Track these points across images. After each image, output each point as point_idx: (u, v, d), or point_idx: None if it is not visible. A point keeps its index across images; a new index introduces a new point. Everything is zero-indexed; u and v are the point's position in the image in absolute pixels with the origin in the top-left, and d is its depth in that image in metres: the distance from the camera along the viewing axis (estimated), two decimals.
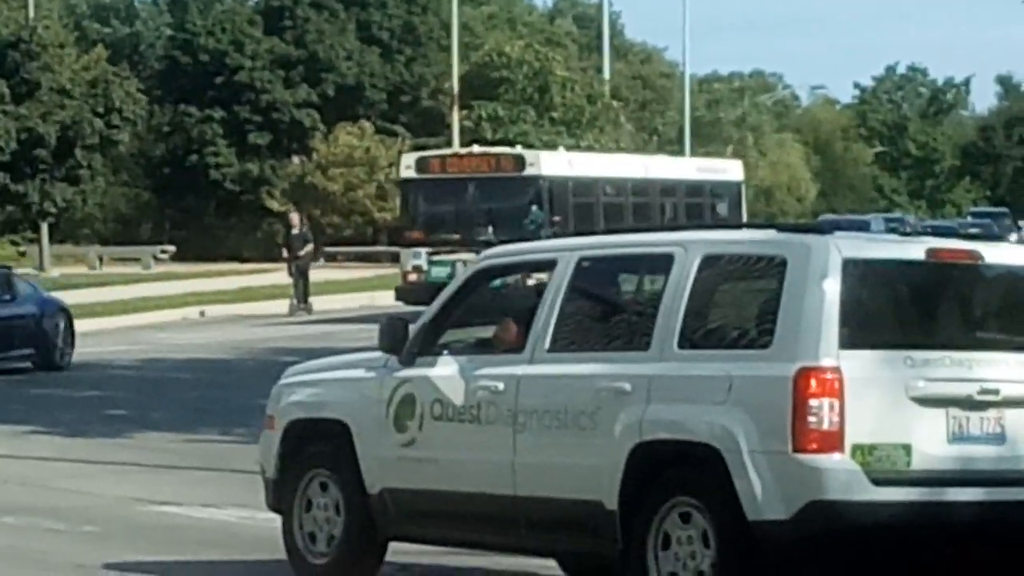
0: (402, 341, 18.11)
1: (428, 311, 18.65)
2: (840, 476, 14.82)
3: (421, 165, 55.86)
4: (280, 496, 18.67)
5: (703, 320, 16.21)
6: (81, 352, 51.36)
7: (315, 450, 18.59)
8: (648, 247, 17.39)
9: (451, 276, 48.83)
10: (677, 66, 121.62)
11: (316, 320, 60.57)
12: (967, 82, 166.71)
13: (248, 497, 20.51)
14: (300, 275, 59.82)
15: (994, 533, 15.65)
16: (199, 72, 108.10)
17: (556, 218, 51.38)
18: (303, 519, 18.42)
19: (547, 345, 16.95)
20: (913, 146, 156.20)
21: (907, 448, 15.07)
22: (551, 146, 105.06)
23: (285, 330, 55.74)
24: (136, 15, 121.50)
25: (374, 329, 18.33)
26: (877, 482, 14.85)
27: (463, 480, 17.32)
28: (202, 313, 62.75)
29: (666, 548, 15.59)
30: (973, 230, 35.73)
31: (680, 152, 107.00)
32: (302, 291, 60.11)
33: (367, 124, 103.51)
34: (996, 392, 15.42)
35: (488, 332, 18.06)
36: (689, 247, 16.58)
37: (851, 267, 15.48)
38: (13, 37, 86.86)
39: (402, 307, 54.03)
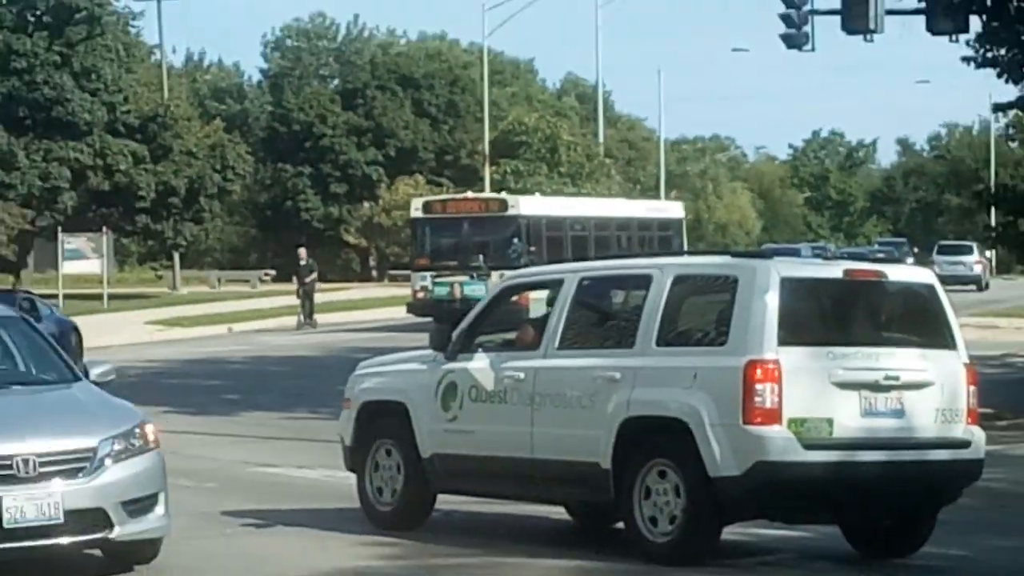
0: (447, 342, 18.47)
1: (467, 319, 18.95)
2: (779, 443, 15.32)
3: (427, 207, 57.77)
4: (355, 460, 19.11)
5: (674, 324, 16.74)
6: (203, 350, 51.54)
7: (381, 425, 18.94)
8: (632, 269, 18.20)
9: (450, 294, 55.30)
10: (654, 131, 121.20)
11: (378, 327, 60.20)
12: (874, 143, 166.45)
13: (331, 460, 20.79)
14: (306, 297, 59.65)
15: (894, 485, 16.10)
16: (293, 139, 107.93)
17: (532, 248, 52.93)
18: (372, 477, 18.83)
19: (556, 344, 17.39)
20: (833, 192, 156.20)
21: (830, 421, 15.65)
22: (560, 193, 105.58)
23: (358, 334, 55.49)
24: (245, 95, 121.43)
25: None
26: (807, 447, 15.39)
27: (493, 446, 17.65)
28: (300, 323, 62.16)
29: (647, 498, 16.07)
30: (879, 255, 35.29)
31: (657, 197, 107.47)
32: (308, 310, 60.07)
33: (420, 177, 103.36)
34: (897, 378, 16.02)
35: (511, 335, 18.57)
36: (664, 269, 17.23)
37: (786, 283, 15.96)
38: (152, 112, 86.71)
39: (412, 318, 56.27)
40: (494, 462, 17.46)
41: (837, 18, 31.66)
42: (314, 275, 59.03)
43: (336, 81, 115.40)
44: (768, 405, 15.19)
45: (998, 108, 40.21)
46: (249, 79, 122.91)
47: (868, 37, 30.74)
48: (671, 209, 72.62)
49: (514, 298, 20.45)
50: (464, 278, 53.57)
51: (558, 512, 18.20)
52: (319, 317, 67.56)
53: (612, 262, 21.41)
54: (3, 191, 72.56)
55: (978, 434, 16.41)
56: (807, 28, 33.92)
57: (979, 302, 55.38)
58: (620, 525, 16.48)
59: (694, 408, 15.48)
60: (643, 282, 16.95)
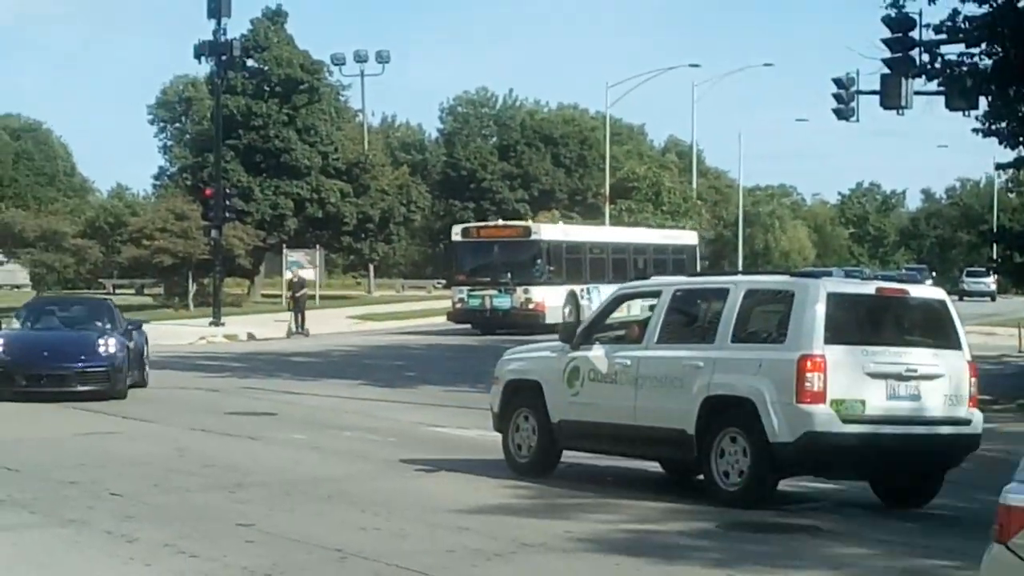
0: (572, 336, 18.74)
1: (588, 318, 19.44)
2: (823, 417, 15.61)
3: (464, 233, 55.26)
4: (501, 423, 19.17)
5: (745, 326, 17.04)
6: (390, 339, 51.78)
7: (521, 397, 18.96)
8: (714, 284, 18.30)
9: (482, 305, 51.94)
10: (735, 180, 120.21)
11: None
12: (904, 192, 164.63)
13: (483, 423, 20.71)
14: (297, 310, 55.80)
15: (910, 452, 16.33)
16: (460, 182, 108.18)
17: (551, 268, 51.44)
18: (514, 436, 18.93)
19: (655, 339, 17.51)
20: (871, 229, 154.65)
21: (862, 402, 15.90)
22: (663, 226, 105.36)
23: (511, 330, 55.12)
24: (425, 148, 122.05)
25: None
26: (844, 421, 15.69)
27: (606, 415, 17.85)
28: (291, 332, 61.26)
29: (721, 457, 16.37)
30: (904, 277, 34.72)
31: (737, 234, 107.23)
32: (300, 321, 55.61)
33: (556, 212, 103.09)
34: (915, 371, 16.29)
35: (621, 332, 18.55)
36: (738, 284, 17.66)
37: (831, 297, 16.23)
38: (355, 160, 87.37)
39: (452, 325, 54.79)
40: (606, 427, 17.66)
41: (876, 97, 31.45)
42: (304, 290, 56.14)
43: (494, 139, 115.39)
44: (815, 389, 15.32)
45: (999, 167, 39.94)
46: (429, 136, 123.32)
47: (900, 111, 30.53)
48: (686, 237, 69.50)
49: (625, 305, 19.65)
50: (493, 292, 51.08)
51: (653, 466, 18.16)
52: None
53: (699, 279, 21.57)
54: (243, 216, 73.51)
55: (977, 415, 16.50)
56: (853, 104, 33.79)
57: (982, 315, 54.44)
58: (700, 477, 16.56)
59: (758, 390, 15.62)
60: (722, 294, 17.12)
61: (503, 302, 50.56)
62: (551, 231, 55.86)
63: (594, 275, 53.85)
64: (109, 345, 22.32)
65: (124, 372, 22.17)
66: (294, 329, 56.05)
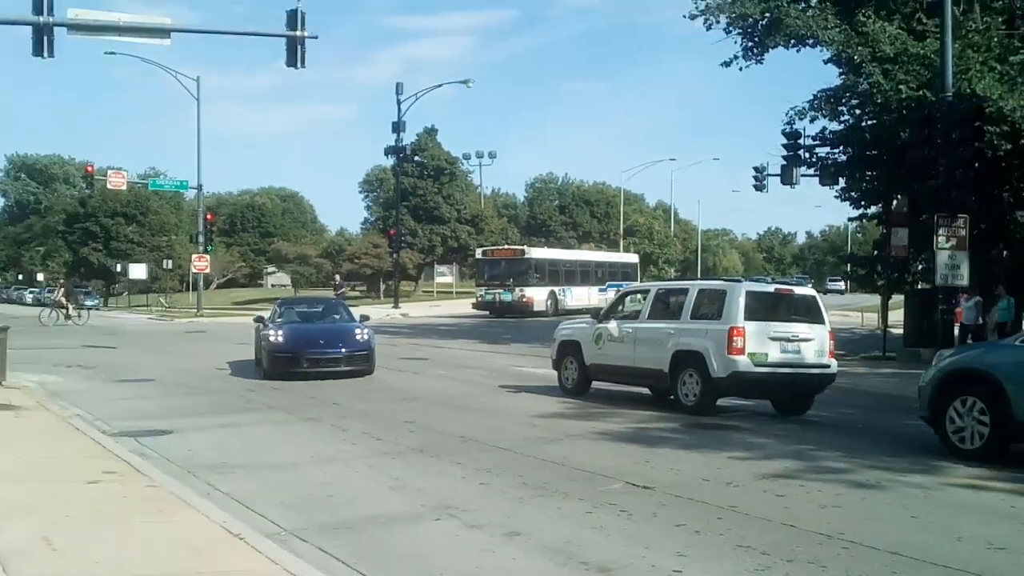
0: (598, 315, 18.84)
1: (607, 306, 19.41)
2: (743, 363, 15.85)
3: (483, 253, 55.58)
4: (556, 365, 19.12)
5: (699, 309, 16.87)
6: (497, 318, 51.81)
7: (568, 349, 18.94)
8: (679, 285, 18.04)
9: (493, 300, 50.93)
10: (696, 226, 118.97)
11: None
12: (795, 233, 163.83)
13: (546, 364, 20.16)
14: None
15: (793, 383, 16.41)
16: (537, 227, 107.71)
17: (538, 275, 51.33)
18: (563, 373, 18.99)
19: (646, 317, 17.53)
20: (776, 255, 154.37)
21: (766, 355, 16.12)
22: (641, 251, 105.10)
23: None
24: (516, 207, 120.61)
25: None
26: (756, 365, 16.03)
27: (617, 361, 17.84)
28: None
29: (684, 385, 16.49)
30: (794, 282, 34.32)
31: (696, 257, 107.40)
32: None
33: (592, 245, 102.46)
34: (797, 336, 16.64)
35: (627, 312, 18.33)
36: (695, 285, 17.69)
37: (748, 293, 16.45)
38: (475, 214, 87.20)
39: (475, 312, 53.07)
40: (617, 368, 17.62)
41: (779, 177, 31.35)
42: (344, 290, 50.27)
43: (556, 201, 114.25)
44: (738, 346, 15.36)
45: (851, 219, 39.96)
46: (518, 200, 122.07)
47: (792, 186, 30.44)
48: (629, 257, 67.51)
49: (628, 298, 18.95)
50: (500, 291, 50.80)
51: (644, 391, 17.96)
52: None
53: (671, 283, 21.57)
54: (411, 246, 76.02)
55: (833, 363, 16.53)
56: (765, 181, 33.65)
57: (839, 304, 54.07)
58: (671, 397, 16.45)
59: (706, 347, 15.64)
60: (685, 291, 17.09)
61: (506, 297, 50.32)
62: (538, 251, 55.34)
63: (568, 280, 54.16)
64: (364, 334, 21.78)
65: (374, 354, 21.71)
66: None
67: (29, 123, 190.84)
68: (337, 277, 57.98)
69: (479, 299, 52.65)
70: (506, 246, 60.31)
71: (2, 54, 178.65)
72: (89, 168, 63.88)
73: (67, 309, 44.80)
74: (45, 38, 23.70)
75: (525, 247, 55.22)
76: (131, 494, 9.06)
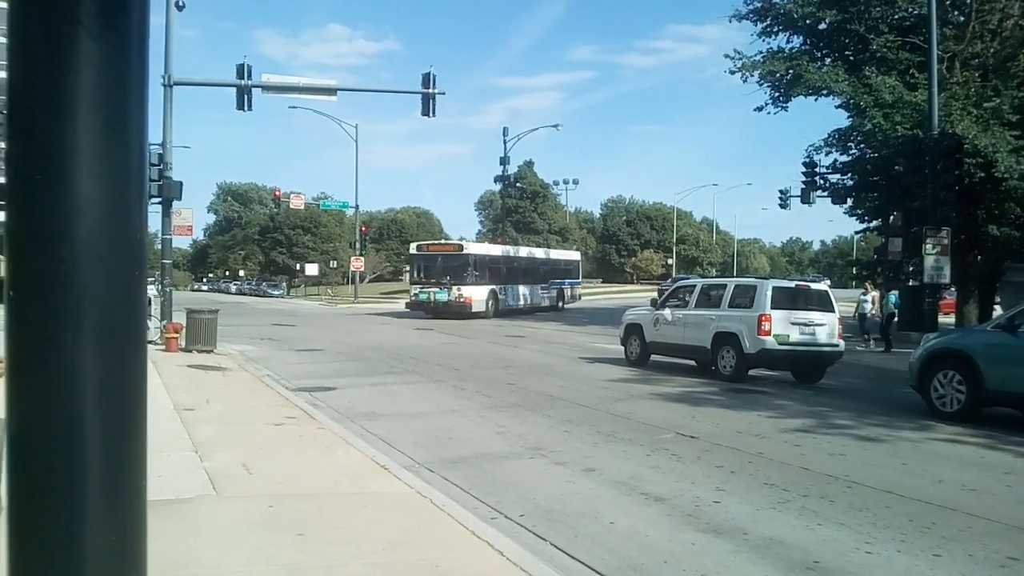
0: (655, 303, 18.54)
1: (662, 296, 18.92)
2: (769, 342, 15.42)
3: (417, 248, 37.03)
4: (623, 342, 18.76)
5: (735, 300, 16.44)
6: (593, 305, 51.27)
7: (632, 330, 18.57)
8: (720, 282, 17.63)
9: (428, 299, 34.51)
10: (734, 235, 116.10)
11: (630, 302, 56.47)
12: (811, 241, 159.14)
13: (615, 342, 19.72)
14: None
15: (810, 359, 15.85)
16: (610, 238, 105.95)
17: (477, 273, 34.46)
18: (629, 347, 18.64)
19: (693, 306, 17.09)
20: (796, 259, 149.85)
21: (788, 336, 15.65)
22: (687, 258, 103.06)
23: (622, 301, 52.53)
24: (594, 222, 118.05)
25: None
26: (780, 344, 15.58)
27: (671, 340, 17.65)
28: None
29: (722, 359, 15.98)
30: (811, 280, 32.88)
31: (733, 260, 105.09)
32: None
33: (651, 251, 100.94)
34: (813, 321, 16.02)
35: (677, 301, 17.93)
36: (732, 282, 17.02)
37: (774, 288, 15.82)
38: (562, 226, 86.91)
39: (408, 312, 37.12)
40: (671, 345, 17.33)
41: (799, 198, 30.68)
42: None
43: (625, 217, 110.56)
44: (766, 329, 15.09)
45: (856, 232, 38.49)
46: (595, 216, 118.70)
47: (809, 205, 29.99)
48: (572, 255, 48.52)
49: (680, 291, 18.17)
50: (436, 290, 34.22)
51: (691, 364, 17.65)
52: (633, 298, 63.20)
53: (714, 279, 21.02)
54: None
55: (841, 343, 16.06)
56: (788, 201, 33.24)
57: (848, 296, 52.17)
58: (713, 368, 16.14)
59: (740, 329, 15.40)
60: (723, 286, 16.88)
61: (441, 297, 34.40)
62: (477, 247, 37.61)
63: (509, 279, 37.82)
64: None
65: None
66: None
67: (234, 159, 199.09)
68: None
69: (413, 298, 35.91)
70: (442, 241, 45.89)
71: (215, 109, 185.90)
72: (277, 192, 65.66)
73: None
74: (245, 96, 24.40)
75: (464, 243, 37.85)
76: (305, 434, 9.27)
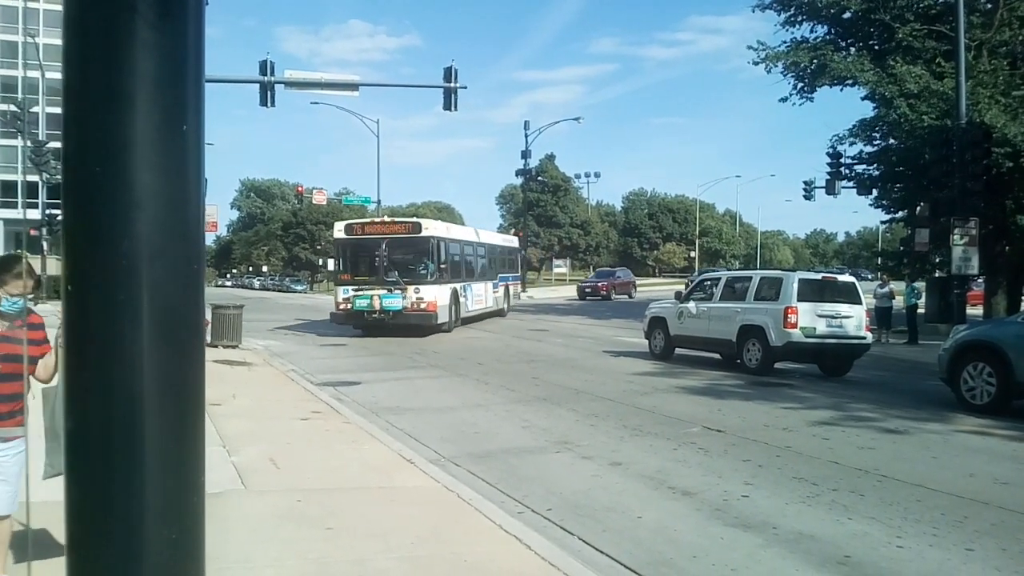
0: (680, 296, 18.21)
1: (688, 289, 18.73)
2: (796, 335, 15.29)
3: (348, 230, 23.15)
4: (647, 335, 18.67)
5: (760, 292, 16.30)
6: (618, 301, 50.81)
7: (656, 323, 18.46)
8: (745, 274, 17.43)
9: (370, 305, 22.07)
10: (757, 228, 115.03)
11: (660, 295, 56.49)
12: (836, 233, 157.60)
13: (640, 335, 19.75)
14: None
15: (837, 351, 15.66)
16: (632, 231, 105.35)
17: (443, 265, 22.62)
18: (653, 341, 18.51)
19: (718, 298, 16.95)
20: (820, 251, 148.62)
21: (815, 328, 15.55)
22: (719, 250, 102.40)
23: (648, 293, 52.42)
24: (615, 215, 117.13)
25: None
26: (806, 337, 15.37)
27: (695, 332, 17.47)
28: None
29: (748, 352, 15.87)
30: (836, 272, 32.46)
31: (757, 253, 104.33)
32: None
33: (674, 244, 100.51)
34: (840, 313, 15.87)
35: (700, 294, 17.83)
36: (757, 274, 17.06)
37: (800, 280, 15.68)
38: (583, 219, 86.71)
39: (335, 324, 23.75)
40: (695, 338, 17.21)
41: (823, 188, 30.37)
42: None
43: (646, 210, 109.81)
44: (792, 321, 14.97)
45: (882, 222, 38.10)
46: (617, 209, 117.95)
47: (835, 196, 29.58)
48: (514, 241, 35.24)
49: (704, 284, 18.06)
50: (383, 292, 22.03)
51: (716, 357, 17.56)
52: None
53: (738, 271, 20.76)
54: (535, 244, 75.34)
55: (869, 335, 15.86)
56: (813, 192, 32.85)
57: (867, 288, 51.41)
58: (738, 361, 16.05)
59: (766, 322, 15.29)
60: (748, 279, 16.67)
61: (394, 303, 22.06)
62: (439, 228, 23.92)
63: (468, 275, 26.20)
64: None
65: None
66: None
67: (256, 155, 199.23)
68: None
69: (343, 305, 22.80)
70: (386, 219, 25.08)
71: (238, 105, 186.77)
72: (299, 188, 66.12)
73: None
74: (268, 93, 24.50)
75: (420, 220, 23.86)
76: (332, 428, 9.31)
